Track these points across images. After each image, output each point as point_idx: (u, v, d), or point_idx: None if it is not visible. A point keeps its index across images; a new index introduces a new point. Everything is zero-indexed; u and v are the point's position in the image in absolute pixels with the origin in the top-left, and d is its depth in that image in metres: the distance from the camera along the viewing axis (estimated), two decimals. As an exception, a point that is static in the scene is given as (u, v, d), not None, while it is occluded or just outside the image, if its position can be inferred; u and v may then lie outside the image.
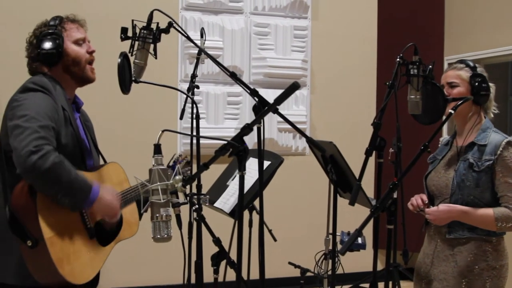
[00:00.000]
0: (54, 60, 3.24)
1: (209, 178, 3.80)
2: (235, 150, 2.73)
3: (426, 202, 3.72)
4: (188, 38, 3.26)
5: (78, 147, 3.24)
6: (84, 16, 3.48)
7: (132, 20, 3.21)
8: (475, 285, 3.50)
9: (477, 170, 3.48)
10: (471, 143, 3.57)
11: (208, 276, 3.34)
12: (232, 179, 3.82)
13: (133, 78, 3.22)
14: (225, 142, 2.73)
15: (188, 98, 4.00)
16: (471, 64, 3.61)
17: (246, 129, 2.74)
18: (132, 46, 3.24)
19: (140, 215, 3.54)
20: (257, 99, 2.82)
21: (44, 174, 2.81)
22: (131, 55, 3.23)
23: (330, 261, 4.04)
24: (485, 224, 3.46)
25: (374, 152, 3.23)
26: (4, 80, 5.84)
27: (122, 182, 3.51)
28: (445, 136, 3.88)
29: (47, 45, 3.23)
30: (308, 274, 4.88)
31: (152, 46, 3.26)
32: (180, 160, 4.03)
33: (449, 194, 3.57)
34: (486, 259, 3.50)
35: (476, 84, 3.52)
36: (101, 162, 3.57)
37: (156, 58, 3.27)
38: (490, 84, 3.63)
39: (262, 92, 3.09)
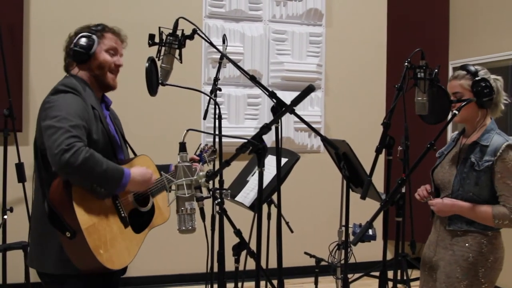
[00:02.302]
0: (81, 58, 3.25)
1: (230, 174, 3.80)
2: (254, 148, 2.73)
3: (430, 191, 3.73)
4: (211, 44, 3.26)
5: (109, 143, 3.25)
6: (115, 24, 3.48)
7: (159, 27, 3.21)
8: (468, 273, 3.49)
9: (477, 169, 3.46)
10: (474, 142, 3.54)
11: (229, 265, 3.34)
12: (252, 175, 3.82)
13: (160, 81, 3.21)
14: (246, 140, 2.73)
15: (211, 100, 3.99)
16: (472, 69, 3.53)
17: (265, 129, 2.74)
18: (159, 51, 3.23)
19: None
20: (275, 101, 2.82)
21: (78, 169, 2.82)
22: (158, 60, 3.23)
23: (343, 251, 4.03)
24: (484, 220, 3.46)
25: (384, 150, 3.22)
26: (40, 83, 5.88)
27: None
28: (455, 132, 3.85)
29: (80, 43, 3.25)
30: (323, 263, 4.87)
31: (177, 51, 3.25)
32: (206, 149, 4.03)
33: (451, 189, 3.56)
34: (481, 251, 3.49)
35: (479, 89, 3.47)
36: (131, 154, 3.58)
37: (181, 62, 3.27)
38: (497, 77, 3.59)
39: (280, 94, 3.07)
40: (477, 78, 3.49)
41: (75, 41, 3.26)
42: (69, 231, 2.89)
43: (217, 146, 4.20)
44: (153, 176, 3.27)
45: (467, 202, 3.49)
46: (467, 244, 3.51)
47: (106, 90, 3.42)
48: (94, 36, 3.28)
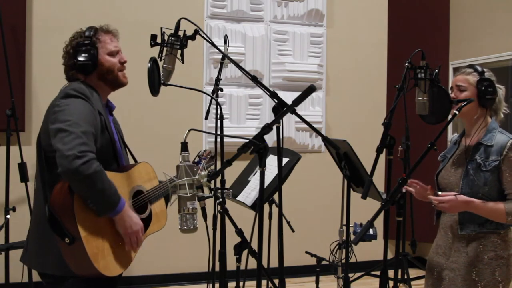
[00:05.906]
0: (89, 69, 3.26)
1: (232, 173, 3.80)
2: (256, 148, 2.74)
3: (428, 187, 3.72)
4: (212, 44, 3.25)
5: (112, 149, 3.26)
6: (117, 24, 3.48)
7: (161, 28, 3.21)
8: (484, 273, 3.48)
9: (485, 170, 3.45)
10: (478, 143, 3.54)
11: (231, 264, 3.34)
12: (253, 175, 3.81)
13: (162, 82, 3.21)
14: (247, 140, 2.73)
15: (213, 100, 3.99)
16: (479, 69, 3.57)
17: (266, 129, 2.74)
18: (161, 51, 3.23)
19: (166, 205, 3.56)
20: (276, 101, 2.81)
21: (84, 179, 2.82)
22: (160, 60, 3.23)
23: (344, 250, 4.03)
24: (496, 217, 3.44)
25: (384, 149, 3.22)
26: (43, 83, 5.88)
27: (152, 180, 3.51)
28: (454, 134, 3.85)
29: (83, 56, 3.24)
30: (324, 262, 4.87)
31: (179, 51, 3.25)
32: (204, 156, 4.03)
33: (460, 191, 3.54)
34: (494, 249, 3.48)
35: (483, 88, 3.49)
36: (130, 159, 3.58)
37: (183, 63, 3.27)
38: (500, 86, 3.60)
39: (281, 94, 3.08)
40: (483, 77, 3.52)
41: (77, 56, 3.25)
42: (68, 237, 2.90)
43: (218, 146, 4.20)
44: (140, 232, 3.22)
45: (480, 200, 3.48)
46: (481, 245, 3.50)
47: (118, 88, 3.44)
48: (93, 43, 3.28)
